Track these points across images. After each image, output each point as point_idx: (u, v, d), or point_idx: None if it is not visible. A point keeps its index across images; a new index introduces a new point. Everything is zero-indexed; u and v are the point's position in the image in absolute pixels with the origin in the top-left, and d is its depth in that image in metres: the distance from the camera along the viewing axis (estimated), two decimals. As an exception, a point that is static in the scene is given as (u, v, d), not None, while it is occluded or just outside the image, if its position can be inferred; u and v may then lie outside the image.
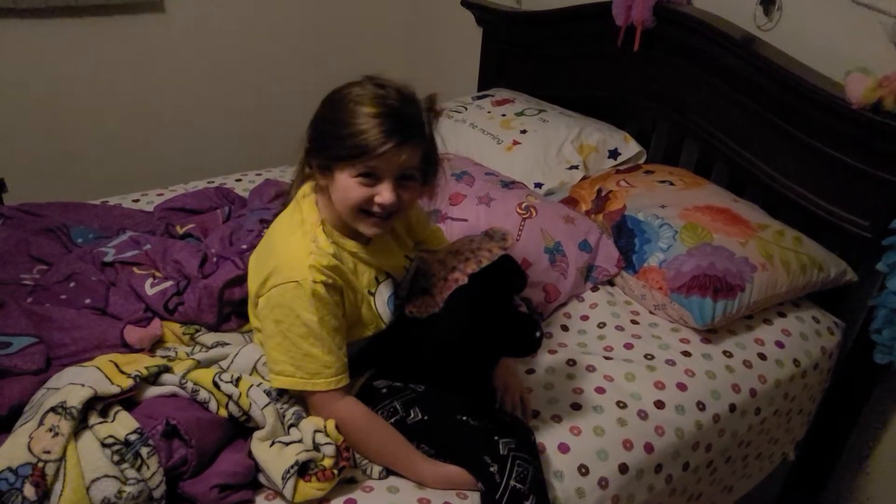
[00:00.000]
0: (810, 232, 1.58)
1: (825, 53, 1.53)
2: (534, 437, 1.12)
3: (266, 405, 1.06)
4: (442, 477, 1.07)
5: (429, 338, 1.13)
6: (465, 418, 1.08)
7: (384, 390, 1.14)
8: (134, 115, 2.47)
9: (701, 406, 1.31)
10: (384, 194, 1.03)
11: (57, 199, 1.72)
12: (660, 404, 1.28)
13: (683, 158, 1.93)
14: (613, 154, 1.95)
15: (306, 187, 1.15)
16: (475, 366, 1.15)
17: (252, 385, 1.09)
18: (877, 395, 1.60)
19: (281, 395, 1.11)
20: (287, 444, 1.03)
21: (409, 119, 1.03)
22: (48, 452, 0.92)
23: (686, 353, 1.39)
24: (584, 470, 1.14)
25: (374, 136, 0.99)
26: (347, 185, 1.03)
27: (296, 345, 1.04)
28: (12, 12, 2.11)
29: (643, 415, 1.25)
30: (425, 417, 1.09)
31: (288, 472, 0.98)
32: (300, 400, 1.11)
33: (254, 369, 1.15)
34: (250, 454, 1.04)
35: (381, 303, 1.15)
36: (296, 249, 1.07)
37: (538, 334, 1.09)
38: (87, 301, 1.26)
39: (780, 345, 1.46)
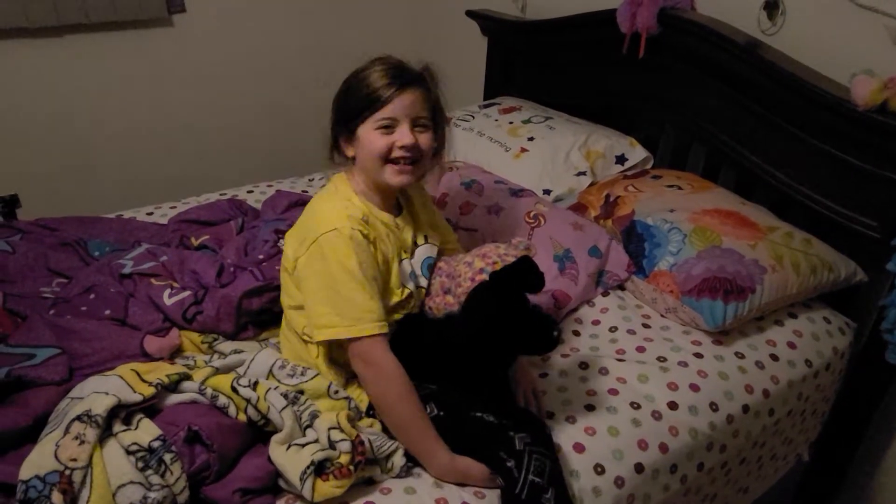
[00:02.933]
0: (819, 233, 1.58)
1: (830, 56, 1.55)
2: (549, 430, 1.14)
3: (284, 408, 1.08)
4: (458, 468, 1.08)
5: (448, 335, 1.15)
6: (479, 414, 1.09)
7: None
8: (145, 129, 2.50)
9: (714, 407, 1.31)
10: (404, 137, 1.14)
11: (71, 213, 1.75)
12: (673, 405, 1.29)
13: (690, 163, 1.95)
14: (620, 160, 1.96)
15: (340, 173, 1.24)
16: (493, 363, 1.16)
17: (269, 388, 1.10)
18: (890, 393, 1.60)
19: (297, 397, 1.12)
20: (303, 445, 1.04)
21: (411, 70, 1.18)
22: (75, 460, 0.94)
23: (698, 355, 1.40)
24: (599, 469, 1.15)
25: (383, 84, 1.13)
26: (370, 139, 1.14)
27: (338, 292, 1.09)
28: (25, 31, 2.15)
29: (657, 415, 1.26)
30: (441, 413, 1.11)
31: (305, 472, 1.00)
32: (316, 398, 1.13)
33: (269, 373, 1.17)
34: (270, 459, 1.05)
35: (417, 263, 1.24)
36: (331, 207, 1.17)
37: (556, 333, 1.11)
38: (107, 312, 1.28)
39: (791, 346, 1.47)
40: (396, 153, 1.14)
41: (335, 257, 1.09)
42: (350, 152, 1.19)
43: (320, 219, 1.15)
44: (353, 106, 1.16)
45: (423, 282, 1.25)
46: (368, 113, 1.14)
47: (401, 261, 1.22)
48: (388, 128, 1.14)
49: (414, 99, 1.15)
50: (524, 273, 1.11)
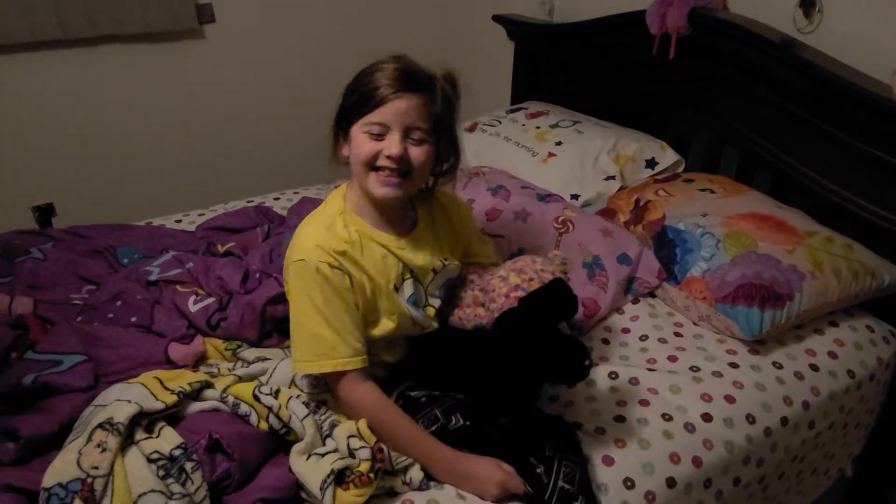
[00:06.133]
0: (861, 238, 1.52)
1: (869, 54, 1.49)
2: (578, 438, 1.10)
3: (305, 416, 1.07)
4: (459, 469, 1.03)
5: (475, 348, 1.12)
6: (508, 421, 1.07)
7: (423, 399, 1.14)
8: (175, 138, 2.54)
9: (751, 419, 1.26)
10: (391, 146, 1.05)
11: (104, 220, 1.77)
12: (707, 417, 1.24)
13: (723, 166, 1.89)
14: (651, 164, 1.92)
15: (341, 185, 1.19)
16: (520, 387, 1.13)
17: (291, 396, 1.10)
18: (938, 407, 1.53)
19: (319, 406, 1.11)
20: (323, 454, 1.03)
21: (419, 74, 1.07)
22: (96, 468, 0.94)
23: (733, 365, 1.35)
24: (629, 483, 1.11)
25: (382, 84, 1.04)
26: (359, 142, 1.07)
27: (303, 325, 1.07)
28: (61, 43, 2.20)
29: (690, 427, 1.22)
30: (467, 423, 1.08)
31: (325, 481, 0.98)
32: (337, 409, 1.12)
33: (292, 383, 1.16)
34: (291, 469, 1.04)
35: (404, 296, 1.16)
36: (307, 232, 1.12)
37: (587, 362, 1.07)
38: (133, 319, 1.29)
39: (832, 355, 1.41)
40: (382, 161, 1.06)
41: (303, 289, 1.06)
42: (345, 151, 1.11)
43: (297, 241, 1.11)
44: (350, 102, 1.08)
45: (431, 306, 1.17)
46: (360, 113, 1.06)
47: (403, 280, 1.15)
48: (379, 134, 1.05)
49: (410, 106, 1.04)
50: (555, 300, 1.07)
